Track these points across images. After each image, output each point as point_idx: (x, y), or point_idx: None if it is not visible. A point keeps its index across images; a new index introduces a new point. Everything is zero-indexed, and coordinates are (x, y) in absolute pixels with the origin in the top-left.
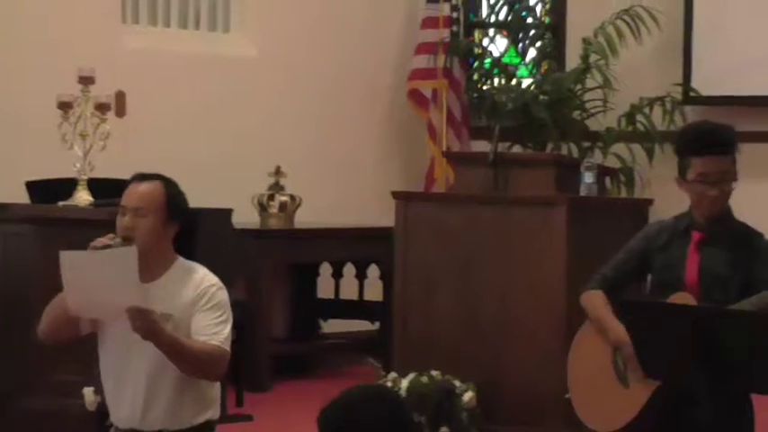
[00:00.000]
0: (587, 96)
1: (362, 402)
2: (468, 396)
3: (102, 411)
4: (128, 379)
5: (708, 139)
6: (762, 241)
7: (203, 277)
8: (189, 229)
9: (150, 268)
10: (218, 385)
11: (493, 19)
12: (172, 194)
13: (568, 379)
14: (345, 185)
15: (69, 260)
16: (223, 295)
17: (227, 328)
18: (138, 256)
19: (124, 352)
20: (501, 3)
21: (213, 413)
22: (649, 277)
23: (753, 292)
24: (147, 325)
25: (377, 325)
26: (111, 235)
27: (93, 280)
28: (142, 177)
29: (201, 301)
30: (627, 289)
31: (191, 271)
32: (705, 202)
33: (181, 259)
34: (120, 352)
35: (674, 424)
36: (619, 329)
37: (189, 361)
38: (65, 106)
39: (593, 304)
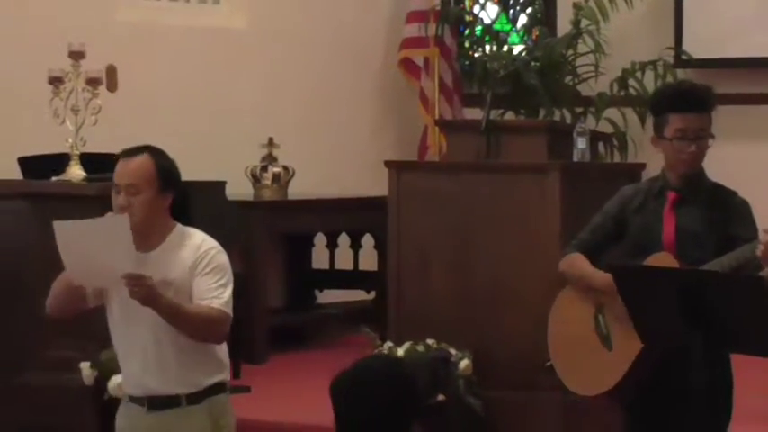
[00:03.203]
0: (579, 62)
1: (373, 372)
2: (463, 364)
3: (99, 386)
4: (136, 345)
5: (687, 96)
6: (736, 198)
7: (202, 241)
8: (183, 196)
9: (149, 238)
10: (225, 349)
11: None
12: (161, 165)
13: (549, 346)
14: (338, 155)
15: (62, 230)
16: (223, 258)
17: (228, 291)
18: (132, 227)
19: (129, 319)
20: None
21: (224, 376)
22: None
23: (729, 249)
24: (144, 291)
25: (372, 294)
26: (109, 213)
27: (87, 248)
28: (130, 153)
29: (201, 265)
30: (606, 253)
31: (189, 236)
32: (683, 159)
33: (179, 225)
34: (125, 320)
35: (661, 384)
36: (605, 278)
37: (190, 324)
38: (56, 81)
39: (573, 264)
